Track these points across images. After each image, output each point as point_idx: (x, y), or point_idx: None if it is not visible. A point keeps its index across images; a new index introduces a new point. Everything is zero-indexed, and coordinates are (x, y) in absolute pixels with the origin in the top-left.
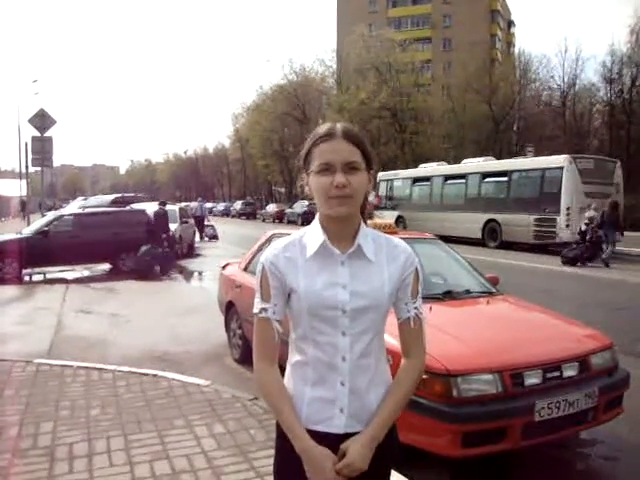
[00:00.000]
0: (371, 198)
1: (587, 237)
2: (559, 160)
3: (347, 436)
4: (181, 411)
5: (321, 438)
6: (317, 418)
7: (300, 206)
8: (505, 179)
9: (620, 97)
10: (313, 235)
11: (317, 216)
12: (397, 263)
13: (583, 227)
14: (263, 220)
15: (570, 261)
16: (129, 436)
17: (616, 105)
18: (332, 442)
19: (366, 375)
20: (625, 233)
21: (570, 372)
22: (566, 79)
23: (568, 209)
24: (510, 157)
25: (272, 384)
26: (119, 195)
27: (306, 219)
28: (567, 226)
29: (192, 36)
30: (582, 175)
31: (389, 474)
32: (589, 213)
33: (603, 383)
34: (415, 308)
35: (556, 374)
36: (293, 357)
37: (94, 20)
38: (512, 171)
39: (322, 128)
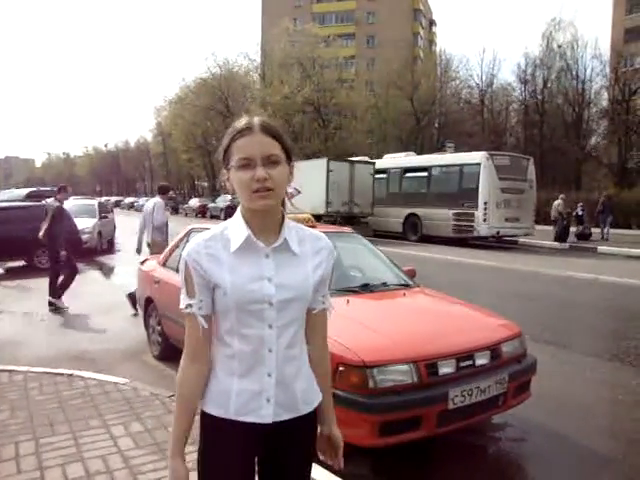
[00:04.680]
0: (291, 190)
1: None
2: (477, 156)
3: (275, 425)
4: (97, 411)
5: (250, 429)
6: (246, 409)
7: (223, 200)
8: (425, 174)
9: (534, 97)
10: (236, 229)
11: (239, 209)
12: (321, 256)
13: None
14: (185, 215)
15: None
16: (40, 439)
17: (530, 105)
18: (261, 432)
19: (293, 365)
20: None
21: (482, 360)
22: (484, 78)
23: (485, 204)
24: (431, 153)
25: (185, 384)
26: (34, 189)
27: (229, 214)
28: (484, 220)
29: (113, 25)
30: (498, 171)
31: (310, 463)
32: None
33: (513, 370)
34: (328, 299)
35: (469, 363)
36: (219, 350)
37: (7, 2)
38: (432, 166)
39: (240, 123)
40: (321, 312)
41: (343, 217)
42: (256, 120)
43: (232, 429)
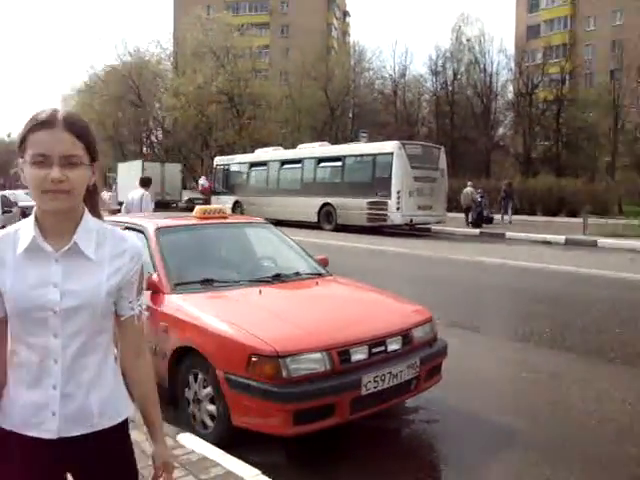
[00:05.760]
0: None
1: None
2: (389, 146)
3: (61, 441)
4: None
5: (33, 444)
6: (30, 422)
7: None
8: (339, 164)
9: (444, 88)
10: (27, 230)
11: (34, 208)
12: (121, 260)
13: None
14: None
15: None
16: None
17: (441, 96)
18: (45, 448)
19: (83, 377)
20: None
21: (394, 346)
22: (397, 69)
23: (398, 192)
24: (345, 142)
25: None
26: None
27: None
28: (397, 209)
29: (16, 6)
30: (411, 160)
31: (128, 477)
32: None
33: (424, 354)
34: (139, 305)
35: (381, 349)
36: (10, 358)
37: None
38: (346, 156)
39: (42, 114)
40: (130, 319)
41: (156, 204)
42: (61, 114)
43: (20, 443)
